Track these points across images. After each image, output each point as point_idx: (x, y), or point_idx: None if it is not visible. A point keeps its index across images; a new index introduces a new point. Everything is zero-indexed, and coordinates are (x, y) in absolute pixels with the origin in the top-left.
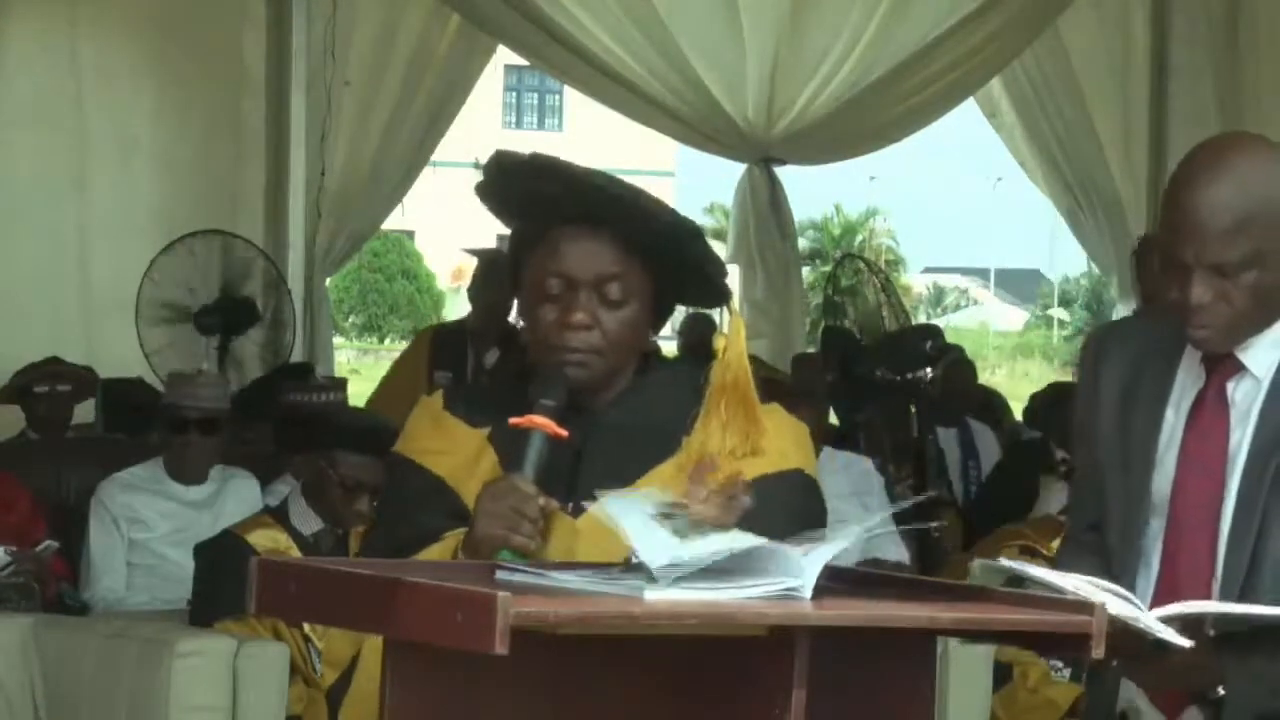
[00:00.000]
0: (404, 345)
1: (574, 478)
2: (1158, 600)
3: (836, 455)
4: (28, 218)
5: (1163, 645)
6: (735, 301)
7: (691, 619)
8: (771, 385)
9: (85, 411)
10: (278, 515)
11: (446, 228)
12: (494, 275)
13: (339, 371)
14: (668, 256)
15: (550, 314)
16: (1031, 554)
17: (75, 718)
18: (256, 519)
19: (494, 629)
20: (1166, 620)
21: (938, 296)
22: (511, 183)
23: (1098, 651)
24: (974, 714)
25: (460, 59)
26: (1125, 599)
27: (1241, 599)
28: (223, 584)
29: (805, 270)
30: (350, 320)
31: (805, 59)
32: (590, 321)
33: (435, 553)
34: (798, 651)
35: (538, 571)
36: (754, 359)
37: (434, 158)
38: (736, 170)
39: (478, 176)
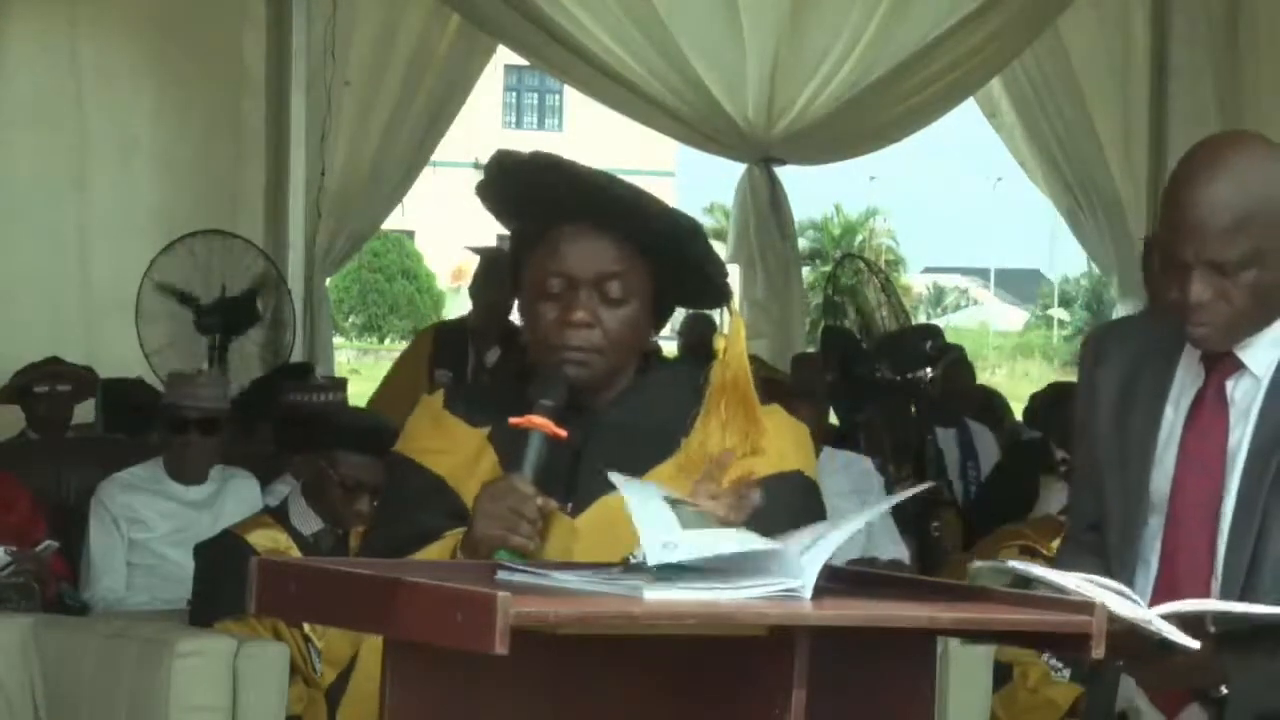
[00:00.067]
0: (404, 345)
1: (573, 478)
2: (1156, 598)
3: (836, 455)
4: (28, 218)
5: (1168, 645)
6: (735, 301)
7: (691, 619)
8: (771, 385)
9: (85, 411)
10: (278, 515)
11: (446, 228)
12: (495, 273)
13: (339, 371)
14: (668, 255)
15: (551, 312)
16: (1031, 554)
17: (75, 718)
18: (256, 519)
19: (494, 629)
20: (1167, 618)
21: (938, 296)
22: (513, 181)
23: (1098, 651)
24: (974, 714)
25: (460, 59)
26: (1133, 600)
27: (1242, 598)
28: (223, 584)
29: (805, 270)
30: (350, 320)
31: (805, 59)
32: (591, 320)
33: (434, 552)
34: (798, 651)
35: (537, 571)
36: (754, 359)
37: (434, 158)
38: (736, 170)
39: (478, 176)
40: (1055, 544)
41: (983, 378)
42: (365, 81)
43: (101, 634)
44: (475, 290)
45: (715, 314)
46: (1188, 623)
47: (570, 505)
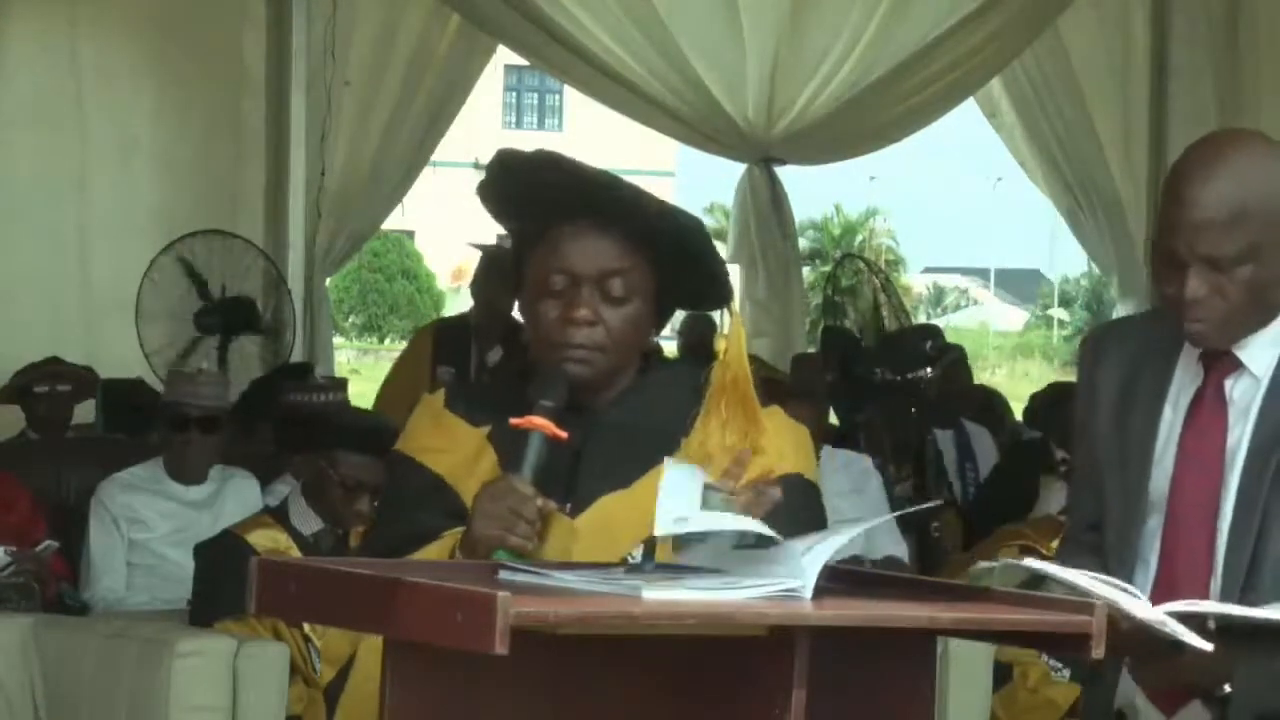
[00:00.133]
0: (404, 345)
1: (573, 478)
2: (1155, 597)
3: (836, 454)
4: (28, 218)
5: (1178, 645)
6: (736, 301)
7: (691, 619)
8: (771, 385)
9: (85, 411)
10: (278, 515)
11: (446, 228)
12: (496, 270)
13: (339, 371)
14: (671, 254)
15: (553, 310)
16: (1031, 554)
17: (75, 718)
18: (256, 519)
19: (494, 629)
20: (1174, 617)
21: (938, 296)
22: (515, 179)
23: (1098, 651)
24: (974, 714)
25: (460, 59)
26: (1143, 599)
27: (1242, 597)
28: (223, 584)
29: (805, 270)
30: (350, 320)
31: (805, 59)
32: (593, 317)
33: (433, 552)
34: (798, 651)
35: (537, 571)
36: (754, 359)
37: (434, 158)
38: (736, 170)
39: (478, 176)
40: (1055, 544)
41: (983, 378)
42: (365, 81)
43: (101, 634)
44: (476, 287)
45: (715, 314)
46: (1189, 621)
47: (569, 506)
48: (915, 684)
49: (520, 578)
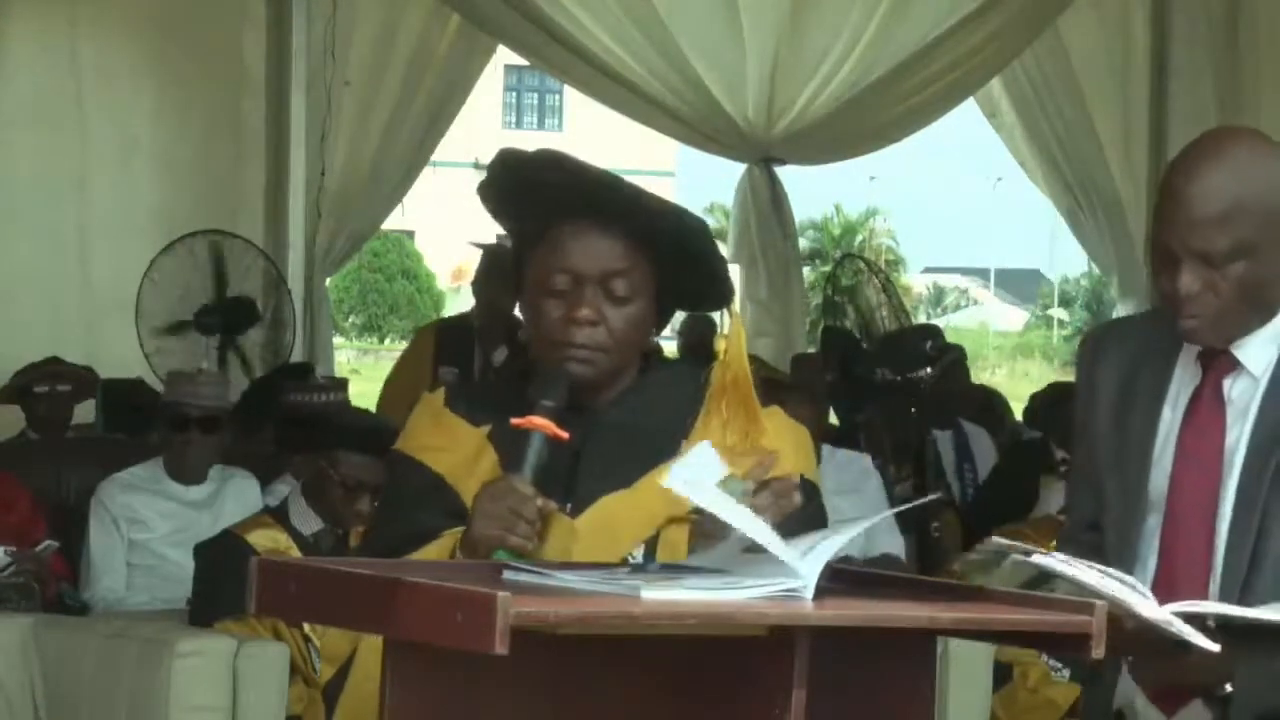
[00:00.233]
0: (404, 345)
1: (573, 478)
2: (1155, 596)
3: (836, 453)
4: (28, 218)
5: (1183, 644)
6: (737, 301)
7: (691, 619)
8: (771, 384)
9: (85, 411)
10: (278, 515)
11: (446, 228)
12: (497, 269)
13: (339, 371)
14: (673, 254)
15: (556, 310)
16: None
17: (75, 718)
18: (256, 519)
19: (494, 629)
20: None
21: (938, 296)
22: (517, 178)
23: (1098, 651)
24: (974, 714)
25: (460, 59)
26: (1150, 598)
27: (1241, 597)
28: (223, 584)
29: (805, 270)
30: (350, 320)
31: (805, 59)
32: (596, 317)
33: (433, 551)
34: (798, 651)
35: (538, 571)
36: (754, 359)
37: (434, 158)
38: (737, 170)
39: (478, 176)
40: (1054, 544)
41: (983, 378)
42: (365, 81)
43: (101, 634)
44: (478, 287)
45: (715, 314)
46: (1191, 622)
47: (569, 506)
48: (915, 684)
49: (521, 578)
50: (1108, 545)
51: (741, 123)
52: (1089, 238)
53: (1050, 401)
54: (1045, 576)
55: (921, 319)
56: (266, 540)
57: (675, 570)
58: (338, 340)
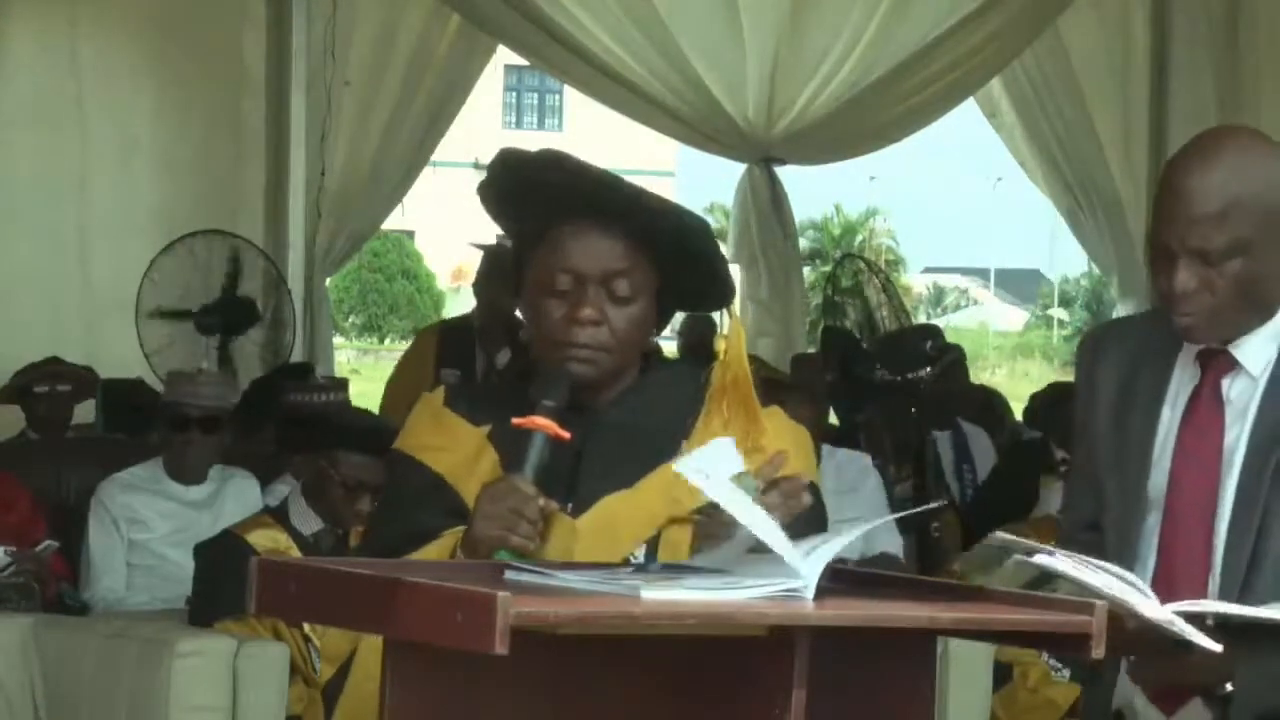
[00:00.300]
0: (404, 345)
1: (574, 478)
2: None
3: (836, 452)
4: (28, 218)
5: (1184, 644)
6: (738, 301)
7: (691, 619)
8: (771, 384)
9: (85, 411)
10: (278, 515)
11: (446, 228)
12: (498, 270)
13: (339, 371)
14: (674, 253)
15: (558, 310)
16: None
17: (75, 718)
18: (256, 519)
19: (494, 629)
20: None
21: (938, 296)
22: (517, 177)
23: (1098, 651)
24: (974, 714)
25: (460, 59)
26: (1153, 598)
27: (1241, 596)
28: (223, 584)
29: (805, 270)
30: (350, 320)
31: (805, 59)
32: (599, 317)
33: (433, 551)
34: (798, 651)
35: (540, 571)
36: (754, 359)
37: (434, 158)
38: (737, 170)
39: (478, 176)
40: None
41: (983, 378)
42: (365, 81)
43: (101, 634)
44: (479, 287)
45: (715, 314)
46: (1193, 621)
47: (570, 506)
48: (915, 684)
49: (522, 578)
50: (1108, 545)
51: (741, 123)
52: (1089, 238)
53: (1050, 401)
54: (1047, 576)
55: (921, 319)
56: (266, 540)
57: (676, 570)
58: (338, 340)
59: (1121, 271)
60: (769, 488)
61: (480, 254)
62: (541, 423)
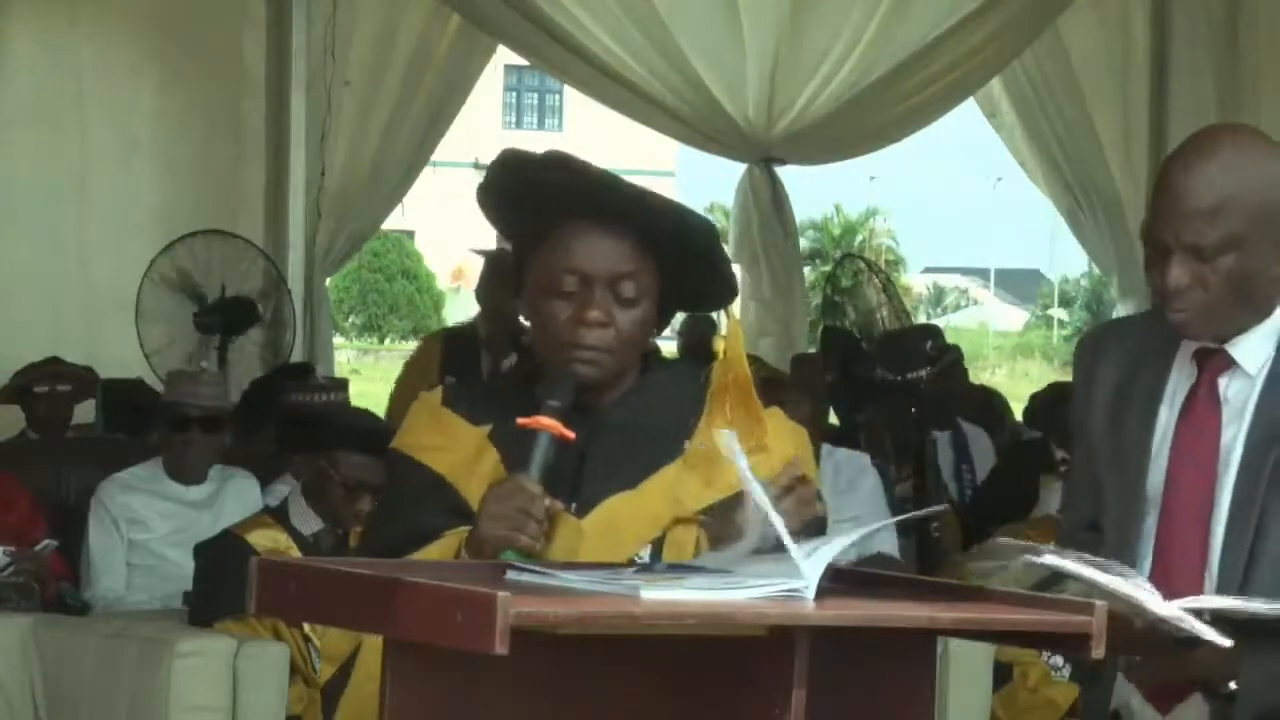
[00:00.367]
0: (404, 345)
1: (578, 478)
2: None
3: (835, 452)
4: (28, 218)
5: (1189, 641)
6: (740, 301)
7: (691, 619)
8: (770, 384)
9: (85, 411)
10: (278, 515)
11: (446, 228)
12: (500, 275)
13: (339, 371)
14: (676, 254)
15: (564, 311)
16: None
17: (75, 718)
18: (256, 519)
19: (494, 629)
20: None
21: (938, 296)
22: (519, 178)
23: (1098, 651)
24: (974, 714)
25: (460, 59)
26: (1159, 596)
27: (1240, 595)
28: (223, 584)
29: (805, 270)
30: (350, 320)
31: (805, 59)
32: (606, 319)
33: (435, 551)
34: (798, 651)
35: (543, 571)
36: (754, 359)
37: (434, 158)
38: (737, 170)
39: (478, 176)
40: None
41: (983, 378)
42: (365, 81)
43: (101, 634)
44: (482, 293)
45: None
46: (1197, 617)
47: (575, 506)
48: (915, 684)
49: (522, 578)
50: (1107, 545)
51: (742, 123)
52: (1089, 238)
53: (1050, 401)
54: (1055, 576)
55: (921, 319)
56: (266, 540)
57: (679, 570)
58: (338, 340)
59: (1121, 271)
60: (784, 494)
61: (481, 260)
62: (547, 423)
